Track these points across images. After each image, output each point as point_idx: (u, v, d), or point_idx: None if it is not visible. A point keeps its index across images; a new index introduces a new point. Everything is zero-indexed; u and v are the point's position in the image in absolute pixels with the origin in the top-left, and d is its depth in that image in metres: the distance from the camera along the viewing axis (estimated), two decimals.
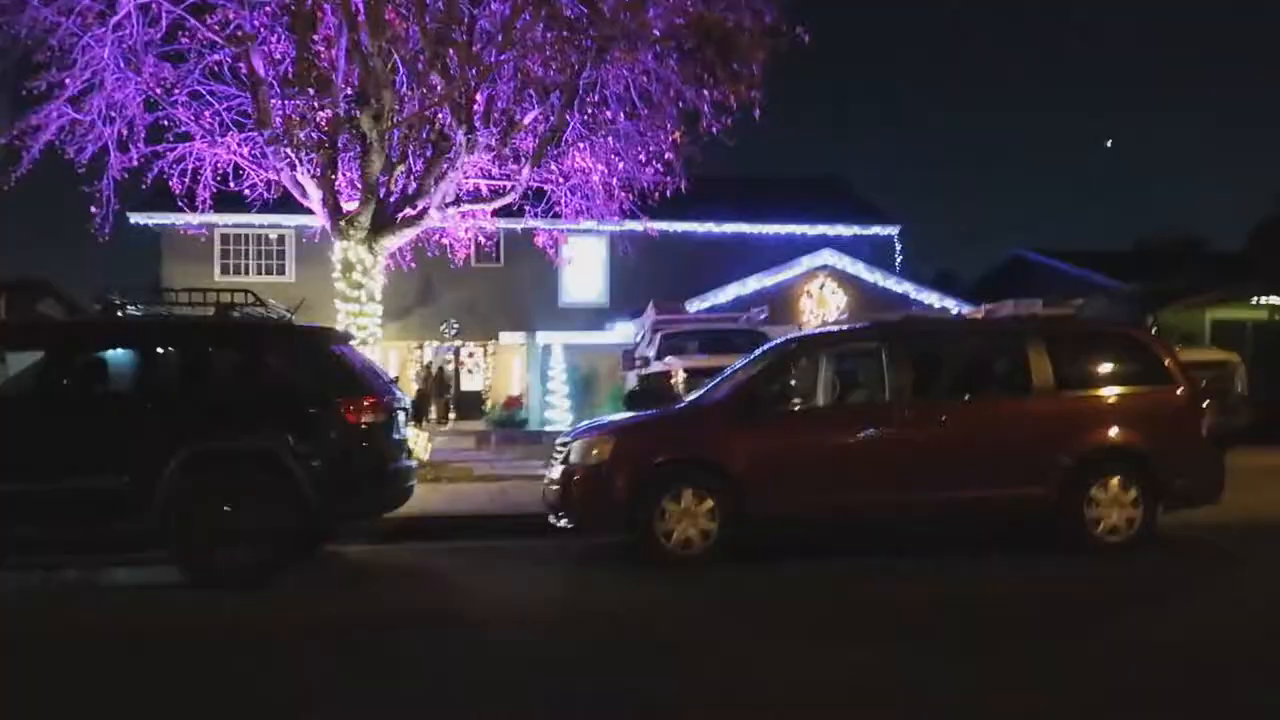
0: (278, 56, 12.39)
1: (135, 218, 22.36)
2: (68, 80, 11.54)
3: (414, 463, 8.76)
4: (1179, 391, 8.03)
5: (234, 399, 7.48)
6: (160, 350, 7.71)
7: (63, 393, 7.31)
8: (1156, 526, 7.84)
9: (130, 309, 8.16)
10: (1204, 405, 8.08)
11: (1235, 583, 7.11)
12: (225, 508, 6.99)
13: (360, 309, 12.85)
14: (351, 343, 9.09)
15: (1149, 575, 7.22)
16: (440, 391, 25.95)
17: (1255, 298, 19.37)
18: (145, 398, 7.42)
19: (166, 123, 12.58)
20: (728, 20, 11.71)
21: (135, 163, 12.38)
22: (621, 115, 12.85)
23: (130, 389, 7.56)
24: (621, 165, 13.43)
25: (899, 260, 26.75)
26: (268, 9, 12.05)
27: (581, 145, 13.18)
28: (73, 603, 7.14)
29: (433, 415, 24.37)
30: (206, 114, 12.59)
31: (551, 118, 12.69)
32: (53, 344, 7.52)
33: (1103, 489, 7.68)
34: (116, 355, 7.67)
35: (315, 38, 12.34)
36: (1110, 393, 8.04)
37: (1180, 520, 8.19)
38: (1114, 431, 7.87)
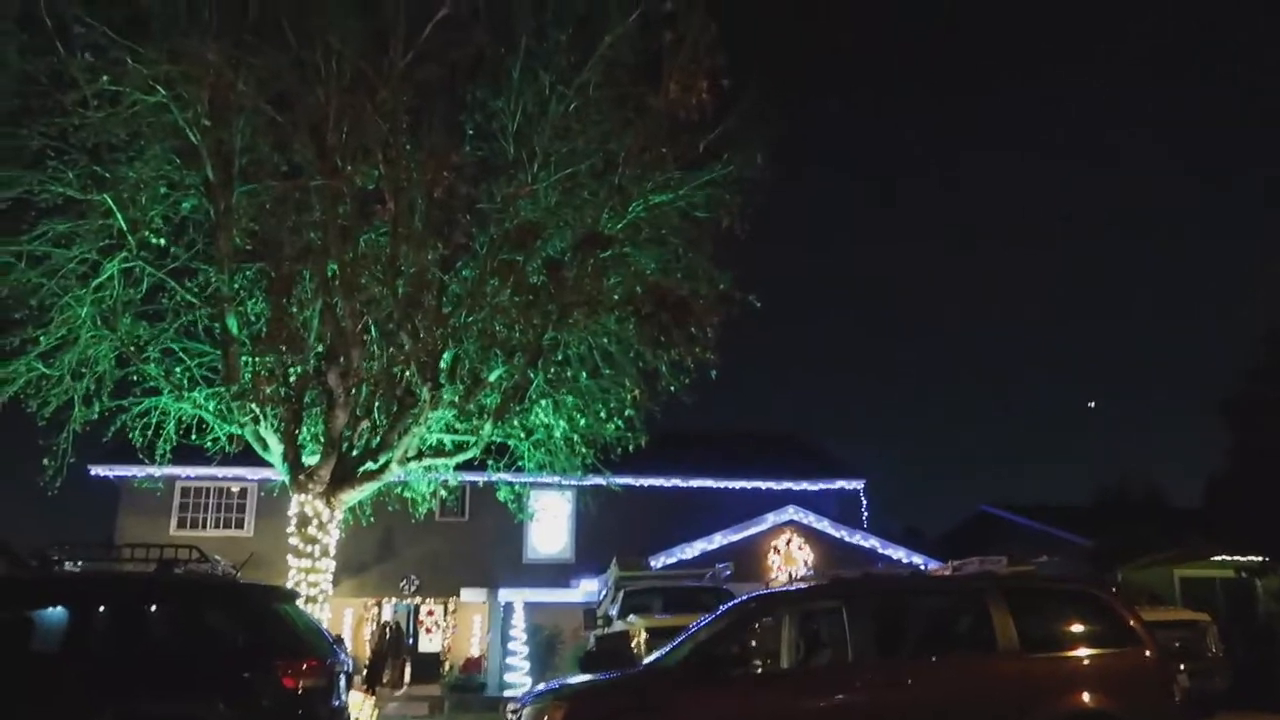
0: (252, 317, 12.81)
1: (95, 469, 22.10)
2: (41, 337, 11.79)
3: None
4: (1146, 653, 7.83)
5: (165, 659, 7.12)
6: (93, 608, 7.38)
7: None
8: None
9: (69, 565, 7.91)
10: (1175, 668, 7.87)
11: None
12: None
13: (313, 564, 12.53)
14: (298, 600, 8.80)
15: None
16: (396, 653, 24.74)
17: (1218, 555, 19.31)
18: (71, 657, 7.02)
19: (136, 378, 12.76)
20: (682, 289, 12.40)
21: (98, 416, 12.43)
22: (583, 374, 13.23)
23: (56, 647, 7.16)
24: (583, 421, 13.67)
25: (865, 515, 26.80)
26: (247, 273, 12.59)
27: (544, 402, 13.46)
28: None
29: (387, 679, 23.11)
30: (176, 369, 12.81)
31: (515, 375, 13.05)
32: None
33: None
34: (46, 613, 7.34)
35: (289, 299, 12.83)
36: (1077, 654, 7.82)
37: None
38: (1085, 696, 7.58)
